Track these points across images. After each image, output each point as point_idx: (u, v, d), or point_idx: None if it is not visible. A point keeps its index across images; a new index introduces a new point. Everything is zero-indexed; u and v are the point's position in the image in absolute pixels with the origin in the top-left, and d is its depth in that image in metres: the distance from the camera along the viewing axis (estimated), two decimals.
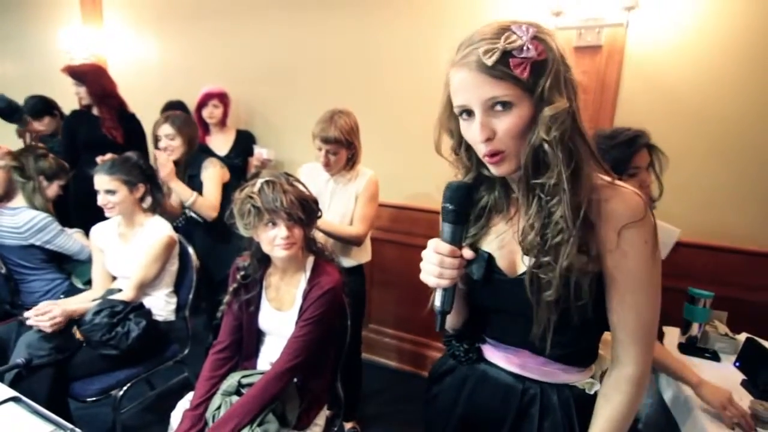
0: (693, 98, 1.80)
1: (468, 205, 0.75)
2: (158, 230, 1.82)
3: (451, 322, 0.89)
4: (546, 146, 0.67)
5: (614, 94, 1.89)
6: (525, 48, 0.64)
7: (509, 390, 0.84)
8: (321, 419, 1.40)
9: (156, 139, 2.14)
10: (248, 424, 1.17)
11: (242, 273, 1.37)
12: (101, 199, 1.76)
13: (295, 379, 1.33)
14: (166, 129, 2.10)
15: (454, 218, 0.72)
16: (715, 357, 1.42)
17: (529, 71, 0.64)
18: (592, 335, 0.81)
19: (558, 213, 0.69)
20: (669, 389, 1.38)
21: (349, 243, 1.83)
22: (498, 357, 0.86)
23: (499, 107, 0.67)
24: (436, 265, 0.73)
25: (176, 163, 2.16)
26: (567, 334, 0.76)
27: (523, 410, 0.83)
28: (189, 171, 2.18)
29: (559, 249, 0.69)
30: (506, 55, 0.64)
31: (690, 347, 1.45)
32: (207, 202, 2.11)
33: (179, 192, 2.07)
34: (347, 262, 1.87)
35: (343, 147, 1.75)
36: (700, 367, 1.38)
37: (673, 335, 1.54)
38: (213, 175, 2.16)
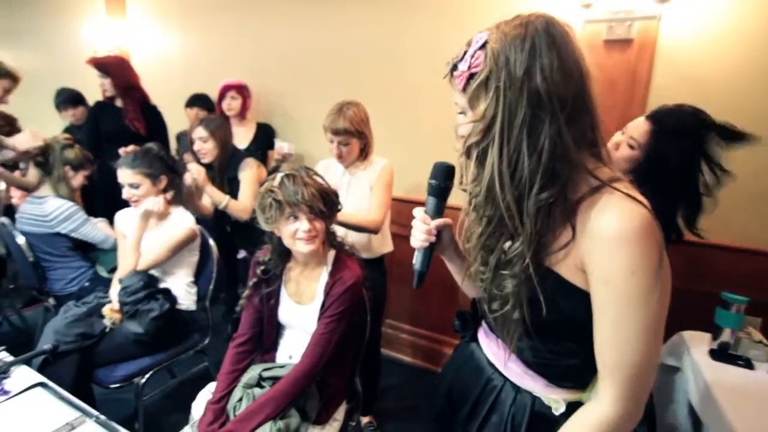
0: (728, 93, 1.72)
1: (446, 183, 0.83)
2: (181, 221, 1.83)
3: (468, 291, 0.93)
4: (460, 155, 0.71)
5: (645, 89, 1.82)
6: (462, 61, 0.67)
7: (480, 373, 0.87)
8: (340, 414, 1.39)
9: (191, 142, 2.17)
10: (273, 418, 1.17)
11: (262, 267, 1.37)
12: (126, 193, 1.78)
13: None
14: (200, 132, 2.12)
15: (431, 192, 0.84)
16: (748, 365, 1.37)
17: (465, 83, 0.67)
18: (581, 358, 0.71)
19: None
20: (696, 393, 1.34)
21: (366, 231, 1.81)
22: (484, 341, 0.89)
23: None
24: (413, 227, 0.85)
25: (210, 165, 2.18)
26: (543, 342, 0.74)
27: (482, 397, 0.85)
28: (228, 174, 2.19)
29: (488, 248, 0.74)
30: (455, 67, 0.69)
31: (722, 354, 1.40)
32: (240, 205, 2.13)
33: (213, 196, 2.09)
34: (368, 254, 1.86)
35: (353, 137, 1.75)
36: (732, 374, 1.33)
37: (703, 341, 1.49)
38: (249, 176, 2.17)
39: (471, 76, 0.66)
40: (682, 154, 1.22)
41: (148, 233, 1.85)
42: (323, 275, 1.35)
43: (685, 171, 1.23)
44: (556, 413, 0.76)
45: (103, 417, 1.05)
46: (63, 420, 1.02)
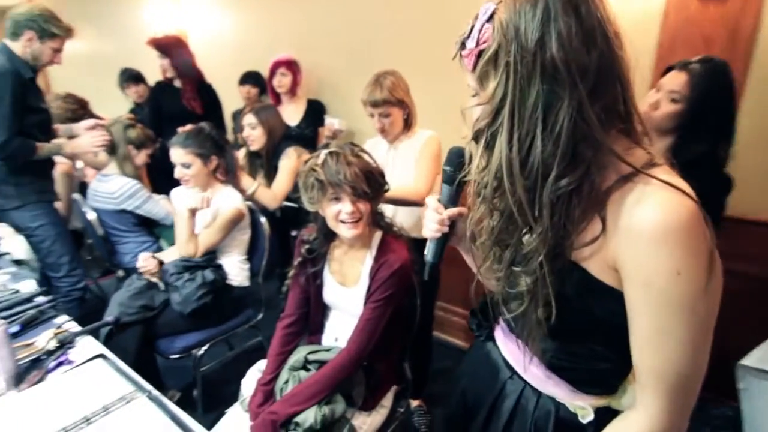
0: None
1: (461, 170, 0.76)
2: (229, 201, 1.85)
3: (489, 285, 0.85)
4: (468, 141, 0.65)
5: (749, 48, 1.54)
6: (470, 38, 0.60)
7: (496, 376, 0.82)
8: (388, 400, 1.36)
9: (241, 128, 2.18)
10: (318, 403, 1.16)
11: (307, 247, 1.34)
12: (178, 172, 1.82)
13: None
14: (249, 118, 2.12)
15: (446, 179, 0.79)
16: None
17: (474, 62, 0.60)
18: (611, 362, 0.66)
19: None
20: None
21: (411, 204, 1.71)
22: (501, 341, 0.84)
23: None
24: (425, 216, 0.81)
25: (258, 153, 2.17)
26: (567, 344, 0.69)
27: (498, 403, 0.80)
28: (273, 161, 2.17)
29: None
30: (463, 46, 0.62)
31: None
32: (268, 193, 2.09)
33: (243, 183, 2.07)
34: (418, 234, 1.74)
35: (393, 107, 1.67)
36: None
37: None
38: (288, 165, 2.13)
39: (480, 54, 0.59)
40: (721, 93, 1.22)
41: (199, 213, 1.86)
42: (368, 258, 1.30)
43: (726, 111, 1.24)
44: (584, 421, 0.71)
45: (155, 392, 1.07)
46: (118, 393, 1.06)
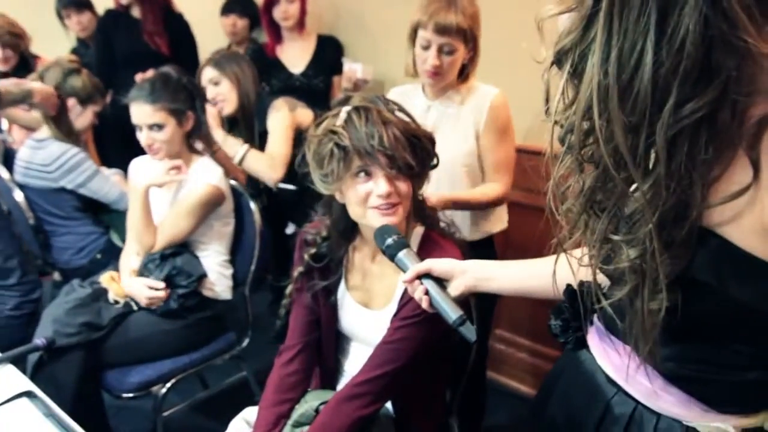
0: None
1: (395, 238, 1.08)
2: (201, 176, 1.84)
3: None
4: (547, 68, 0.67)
5: None
6: None
7: (595, 394, 0.84)
8: None
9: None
10: None
11: (313, 251, 1.31)
12: (145, 138, 1.81)
13: (392, 412, 1.25)
14: (208, 72, 2.13)
15: (393, 252, 1.06)
16: None
17: None
18: (759, 370, 0.67)
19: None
20: None
21: (491, 207, 1.73)
22: (598, 347, 0.86)
23: None
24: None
25: (233, 119, 2.17)
26: (699, 346, 0.70)
27: (604, 428, 0.83)
28: (258, 126, 2.16)
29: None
30: None
31: None
32: (265, 158, 2.07)
33: (227, 148, 2.06)
34: (471, 234, 1.77)
35: (462, 42, 1.61)
36: None
37: None
38: (280, 120, 2.11)
39: None
40: None
41: (167, 192, 1.89)
42: None
43: None
44: None
45: None
46: None
